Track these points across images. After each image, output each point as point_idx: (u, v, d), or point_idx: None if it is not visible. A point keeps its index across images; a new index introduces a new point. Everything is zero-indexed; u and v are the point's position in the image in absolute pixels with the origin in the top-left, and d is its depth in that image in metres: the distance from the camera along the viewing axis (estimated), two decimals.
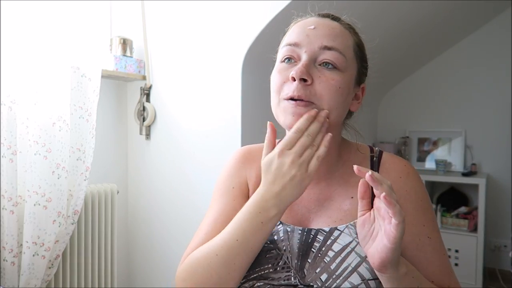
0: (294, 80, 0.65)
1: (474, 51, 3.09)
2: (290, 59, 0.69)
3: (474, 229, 2.75)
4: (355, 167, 0.56)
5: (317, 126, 0.64)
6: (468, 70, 3.12)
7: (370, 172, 0.54)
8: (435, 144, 3.25)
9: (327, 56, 0.66)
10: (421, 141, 3.30)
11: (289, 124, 0.67)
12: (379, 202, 0.57)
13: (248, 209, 0.66)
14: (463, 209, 2.94)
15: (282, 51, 0.71)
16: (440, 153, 3.22)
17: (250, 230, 0.65)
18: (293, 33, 0.71)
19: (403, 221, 0.54)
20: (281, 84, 0.68)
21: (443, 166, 3.01)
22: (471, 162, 3.10)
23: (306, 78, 0.65)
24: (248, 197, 0.79)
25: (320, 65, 0.67)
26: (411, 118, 3.36)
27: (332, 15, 0.72)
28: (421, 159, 3.26)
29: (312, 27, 0.69)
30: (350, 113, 0.77)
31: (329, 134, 0.64)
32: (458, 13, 2.60)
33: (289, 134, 0.66)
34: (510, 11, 2.91)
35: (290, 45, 0.69)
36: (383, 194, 0.53)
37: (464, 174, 2.90)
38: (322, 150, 0.64)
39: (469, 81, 3.13)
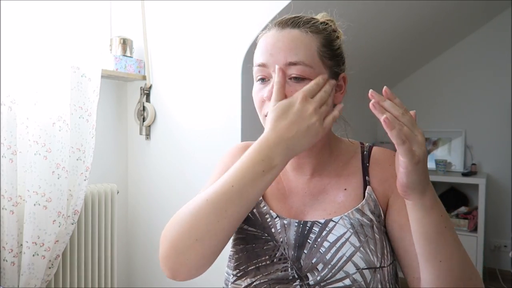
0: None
1: (474, 51, 3.09)
2: (263, 79, 0.72)
3: (474, 229, 2.75)
4: (370, 91, 0.59)
5: (329, 88, 0.68)
6: (468, 70, 3.12)
7: (384, 87, 0.60)
8: (435, 144, 3.25)
9: (294, 71, 0.68)
10: None
11: None
12: None
13: (249, 156, 0.63)
14: (463, 209, 2.94)
15: (254, 71, 0.73)
16: (440, 153, 3.22)
17: (249, 177, 0.61)
18: (258, 52, 0.72)
19: (403, 143, 0.55)
20: (260, 103, 0.72)
21: (443, 166, 3.01)
22: (471, 162, 3.10)
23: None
24: None
25: (290, 79, 0.69)
26: None
27: (292, 20, 0.71)
28: None
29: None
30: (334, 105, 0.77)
31: (341, 104, 0.68)
32: (458, 13, 2.60)
33: (309, 84, 0.67)
34: (510, 11, 2.91)
35: (259, 65, 0.72)
36: (383, 116, 0.55)
37: (464, 174, 2.90)
38: (336, 112, 0.68)
39: (469, 81, 3.13)
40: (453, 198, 3.07)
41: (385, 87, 0.60)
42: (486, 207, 2.77)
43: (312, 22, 0.72)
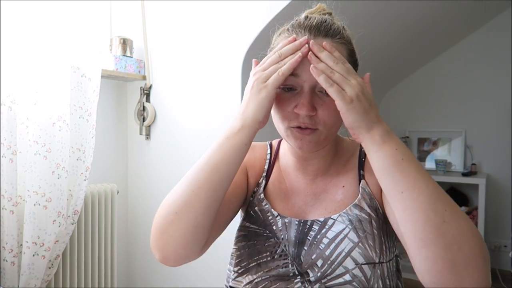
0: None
1: (474, 51, 3.09)
2: (291, 88, 0.68)
3: None
4: (311, 41, 0.64)
5: (290, 48, 0.66)
6: (468, 70, 3.12)
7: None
8: (435, 144, 3.25)
9: None
10: (421, 141, 3.30)
11: (298, 146, 0.70)
12: None
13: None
14: (463, 209, 2.94)
15: None
16: (440, 153, 3.22)
17: (216, 146, 0.67)
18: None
19: (330, 86, 0.61)
20: (286, 114, 0.68)
21: (443, 166, 3.01)
22: (471, 162, 3.09)
23: (311, 114, 0.66)
24: (247, 177, 0.82)
25: (320, 91, 0.67)
26: (411, 118, 3.36)
27: (324, 28, 0.68)
28: (421, 159, 3.26)
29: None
30: None
31: (299, 54, 0.64)
32: (458, 13, 2.60)
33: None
34: (510, 11, 2.91)
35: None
36: (311, 65, 0.62)
37: (464, 174, 2.90)
38: (285, 67, 0.64)
39: (469, 81, 3.12)
40: (453, 198, 3.06)
41: (324, 42, 0.66)
42: (486, 207, 2.77)
43: (342, 31, 0.70)
